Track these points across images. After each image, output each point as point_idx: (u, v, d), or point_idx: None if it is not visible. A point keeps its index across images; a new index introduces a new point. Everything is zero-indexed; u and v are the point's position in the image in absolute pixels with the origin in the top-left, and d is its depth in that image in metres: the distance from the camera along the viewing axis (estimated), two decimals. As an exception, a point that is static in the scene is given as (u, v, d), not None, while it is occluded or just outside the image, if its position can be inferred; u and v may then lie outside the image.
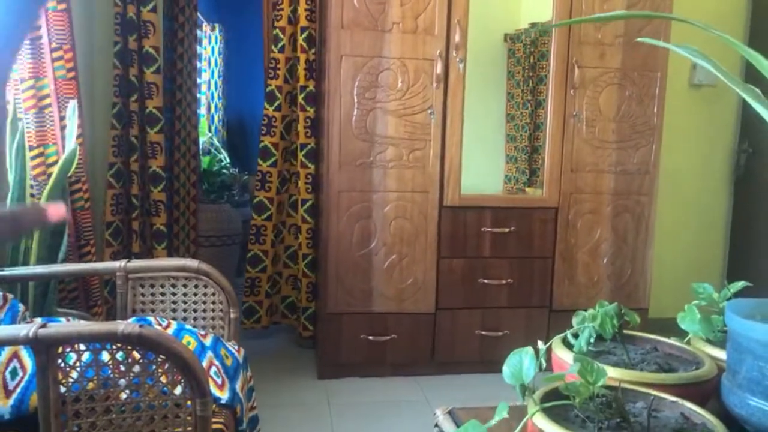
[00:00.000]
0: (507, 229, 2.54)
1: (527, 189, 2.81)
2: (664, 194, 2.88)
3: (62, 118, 1.94)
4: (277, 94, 2.72)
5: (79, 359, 1.02)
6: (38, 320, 1.17)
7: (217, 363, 1.33)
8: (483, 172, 2.94)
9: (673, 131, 2.91)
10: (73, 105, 1.85)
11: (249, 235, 2.87)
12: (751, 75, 3.13)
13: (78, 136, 1.86)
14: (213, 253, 3.66)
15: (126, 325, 0.96)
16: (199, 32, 4.69)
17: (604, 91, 2.57)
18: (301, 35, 2.69)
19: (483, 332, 2.57)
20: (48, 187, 1.74)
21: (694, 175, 3.29)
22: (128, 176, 2.62)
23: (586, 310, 1.21)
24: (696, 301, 1.20)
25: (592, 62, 2.54)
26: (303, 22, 2.68)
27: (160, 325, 1.40)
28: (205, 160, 4.16)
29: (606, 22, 2.54)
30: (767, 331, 0.82)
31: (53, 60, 1.91)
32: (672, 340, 1.16)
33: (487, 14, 2.74)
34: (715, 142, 3.31)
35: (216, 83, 5.39)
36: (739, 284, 1.22)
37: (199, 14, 3.80)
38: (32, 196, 1.82)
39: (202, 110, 4.95)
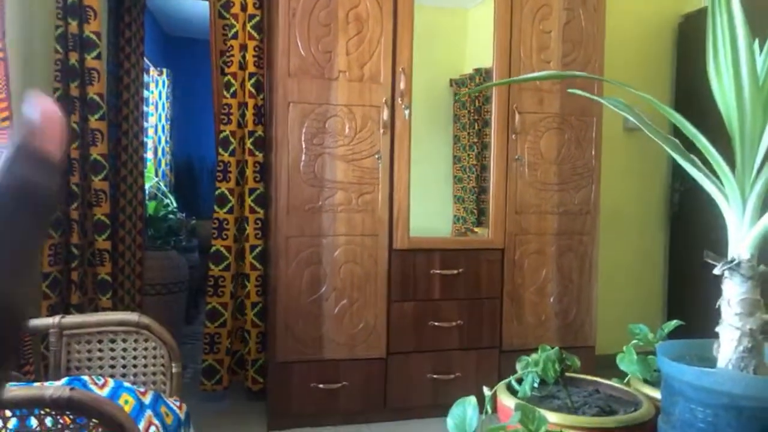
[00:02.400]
0: (456, 271, 2.57)
1: (476, 229, 2.87)
2: (606, 233, 2.99)
3: (-4, 168, 1.87)
4: (231, 139, 2.71)
5: (4, 426, 0.97)
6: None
7: (156, 422, 1.27)
8: (432, 213, 2.98)
9: (610, 172, 3.04)
10: (8, 155, 1.79)
11: (207, 286, 2.75)
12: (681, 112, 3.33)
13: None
14: (160, 301, 3.55)
15: (54, 389, 0.91)
16: (146, 77, 4.67)
17: (545, 136, 2.67)
18: (249, 81, 2.70)
19: (435, 376, 2.56)
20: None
21: (633, 214, 3.43)
22: (68, 225, 2.53)
23: (530, 354, 1.23)
24: (634, 341, 1.24)
25: (531, 108, 2.65)
26: (251, 68, 2.70)
27: (95, 384, 1.34)
28: (150, 206, 4.07)
29: (543, 69, 2.66)
30: (697, 374, 0.85)
31: (-12, 109, 1.85)
32: (612, 382, 1.19)
33: (433, 60, 2.83)
34: (651, 182, 3.47)
35: (163, 127, 5.33)
36: (673, 324, 1.27)
37: (146, 59, 3.78)
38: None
39: (149, 154, 4.87)
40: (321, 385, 2.43)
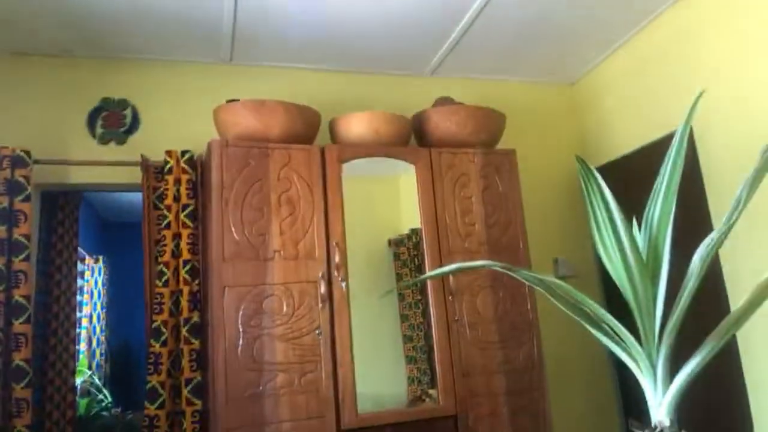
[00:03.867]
0: (410, 445, 2.45)
1: (430, 391, 2.78)
2: (555, 386, 2.96)
3: None
4: (163, 329, 2.63)
5: None
6: None
7: None
8: (385, 376, 2.90)
9: (549, 323, 3.10)
10: None
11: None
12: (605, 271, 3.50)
13: None
14: None
15: None
16: (81, 265, 4.60)
17: (480, 295, 2.74)
18: (183, 268, 2.70)
19: None
20: None
21: (579, 363, 3.44)
22: (-17, 442, 2.31)
23: None
24: None
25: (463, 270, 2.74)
26: (186, 256, 2.72)
27: None
28: (82, 404, 3.79)
29: (469, 231, 2.80)
30: None
31: None
32: None
33: (371, 222, 2.94)
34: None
35: (98, 315, 5.15)
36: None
37: (81, 249, 3.76)
38: None
39: (83, 346, 4.64)
40: None
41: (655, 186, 0.95)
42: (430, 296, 2.67)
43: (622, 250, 0.88)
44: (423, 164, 2.81)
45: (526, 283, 1.01)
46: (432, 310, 2.66)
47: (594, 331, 0.94)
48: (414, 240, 3.01)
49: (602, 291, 3.49)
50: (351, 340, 2.49)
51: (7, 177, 2.54)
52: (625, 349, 0.91)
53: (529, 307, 2.81)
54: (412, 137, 3.02)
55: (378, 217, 3.16)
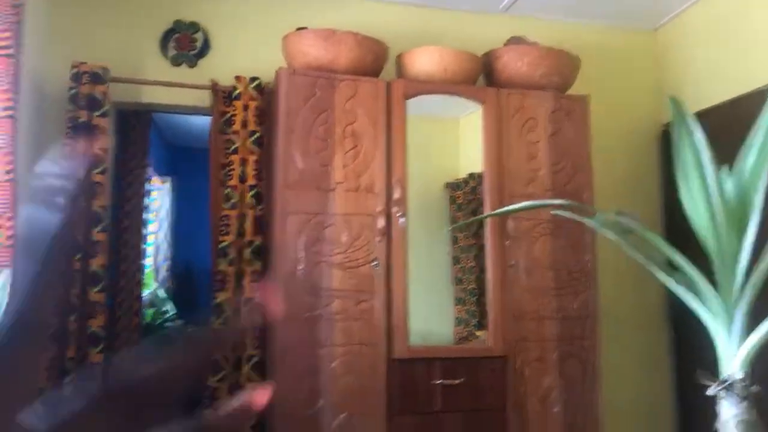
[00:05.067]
0: (457, 381, 2.51)
1: (478, 332, 2.83)
2: (608, 338, 2.95)
3: (-5, 286, 1.89)
4: (229, 249, 2.74)
5: None
6: None
7: None
8: (433, 315, 2.96)
9: (608, 275, 3.05)
10: (5, 275, 1.82)
11: (202, 396, 2.68)
12: (670, 221, 3.38)
13: (6, 306, 1.81)
14: (152, 415, 3.43)
15: None
16: (149, 185, 4.79)
17: (539, 241, 2.71)
18: (249, 192, 2.78)
19: (439, 494, 2.43)
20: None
21: (634, 318, 3.39)
22: (64, 338, 2.51)
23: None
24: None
25: (524, 214, 2.71)
26: (251, 181, 2.79)
27: None
28: (148, 314, 4.05)
29: (533, 177, 2.75)
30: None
31: (-7, 228, 1.90)
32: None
33: (428, 165, 2.93)
34: (650, 284, 3.45)
35: (164, 234, 5.41)
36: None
37: (150, 169, 3.92)
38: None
39: (150, 261, 4.90)
40: (318, 508, 2.30)
41: (749, 137, 0.90)
42: (487, 239, 2.67)
43: (708, 197, 0.84)
44: (491, 105, 2.75)
45: (595, 227, 0.99)
46: (488, 253, 2.66)
47: (668, 280, 0.92)
48: (471, 185, 2.98)
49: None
50: (406, 274, 2.53)
51: (87, 92, 2.64)
52: (700, 300, 0.89)
53: (588, 256, 2.77)
54: (481, 77, 2.94)
55: (436, 159, 3.14)
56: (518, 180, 2.72)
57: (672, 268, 0.91)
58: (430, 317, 2.86)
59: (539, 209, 2.72)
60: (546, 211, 2.73)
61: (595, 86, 3.21)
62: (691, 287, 0.90)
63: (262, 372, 2.67)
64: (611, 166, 3.36)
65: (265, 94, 2.87)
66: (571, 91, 2.94)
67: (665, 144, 3.53)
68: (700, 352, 3.16)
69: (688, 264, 0.88)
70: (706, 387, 2.98)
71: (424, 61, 2.72)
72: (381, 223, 2.54)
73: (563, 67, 2.86)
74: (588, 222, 0.96)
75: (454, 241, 3.07)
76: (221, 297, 2.71)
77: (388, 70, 2.87)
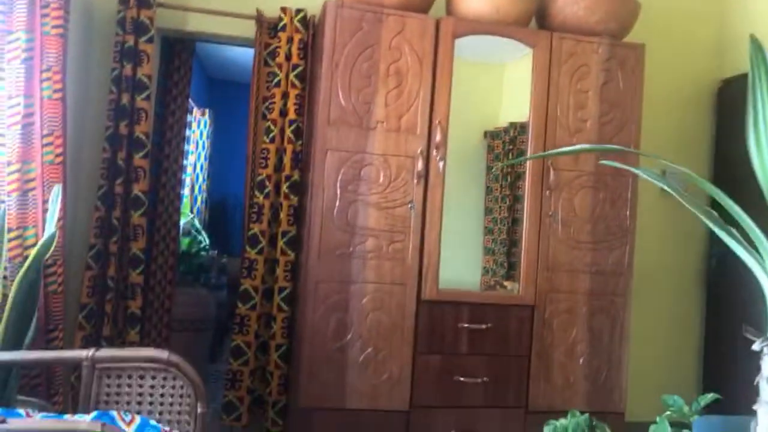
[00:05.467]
0: (484, 326, 2.54)
1: (505, 282, 2.84)
2: (639, 295, 2.92)
3: (45, 202, 1.95)
4: (267, 182, 2.77)
5: (34, 460, 0.98)
6: (-4, 413, 1.13)
7: (179, 464, 1.27)
8: (461, 263, 2.97)
9: (645, 234, 3.00)
10: (57, 189, 1.87)
11: (233, 324, 2.78)
12: (719, 177, 3.28)
13: (59, 220, 1.87)
14: (186, 338, 3.58)
15: (87, 425, 0.93)
16: (189, 116, 4.83)
17: (579, 193, 2.66)
18: (289, 128, 2.78)
19: (458, 432, 2.50)
20: (22, 270, 1.72)
21: (668, 277, 3.35)
22: (106, 258, 2.60)
23: (558, 418, 1.21)
24: (667, 413, 1.20)
25: (567, 165, 2.65)
26: (292, 116, 2.78)
27: (123, 420, 1.35)
28: (184, 242, 4.15)
29: (579, 128, 2.68)
30: (735, 454, 0.82)
31: (43, 146, 1.95)
32: (644, 455, 1.15)
33: (468, 111, 2.86)
34: (687, 245, 3.40)
35: (202, 165, 5.48)
36: (709, 397, 1.23)
37: (190, 100, 3.93)
38: (5, 278, 1.80)
39: (186, 191, 5.00)
40: (341, 435, 2.40)
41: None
42: (526, 188, 2.63)
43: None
44: (542, 49, 2.65)
45: (648, 177, 0.96)
46: (526, 202, 2.62)
47: (718, 231, 0.90)
48: (511, 134, 2.91)
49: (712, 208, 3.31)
50: (441, 218, 2.53)
51: (134, 16, 2.63)
52: (752, 253, 0.87)
53: (628, 212, 2.71)
54: (533, 21, 2.83)
55: (476, 106, 3.06)
56: (564, 130, 2.65)
57: (721, 220, 0.89)
58: (458, 265, 2.87)
59: (584, 160, 2.65)
60: (589, 163, 2.67)
61: (653, 35, 3.07)
62: (748, 243, 0.87)
63: (291, 303, 2.75)
64: (661, 121, 3.24)
65: (310, 27, 2.82)
66: (627, 39, 2.81)
67: (722, 101, 3.39)
68: (731, 315, 3.13)
69: (748, 219, 0.85)
70: (734, 349, 2.92)
71: (476, 0, 2.62)
72: (419, 165, 2.52)
73: (622, 12, 2.73)
74: (640, 172, 0.93)
75: (488, 191, 3.04)
76: (255, 228, 2.76)
77: (438, 8, 2.77)
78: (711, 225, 0.90)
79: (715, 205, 0.93)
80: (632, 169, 0.99)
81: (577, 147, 0.88)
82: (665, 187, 0.94)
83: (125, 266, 2.69)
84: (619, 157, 2.65)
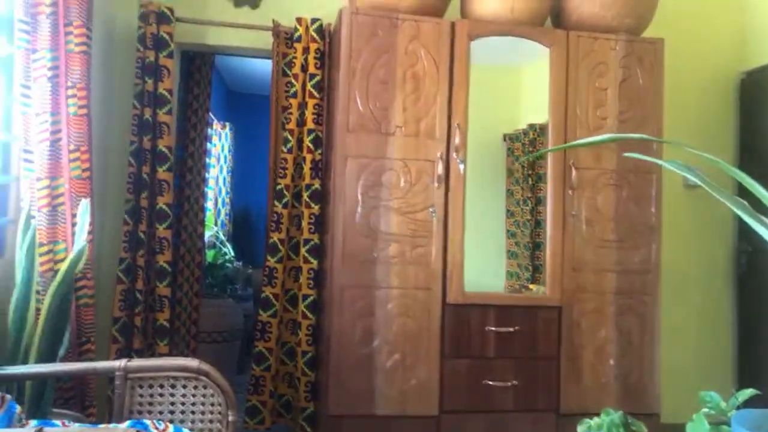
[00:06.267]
0: (512, 328, 2.52)
1: (530, 285, 2.81)
2: (668, 294, 2.88)
3: (74, 216, 1.99)
4: (285, 192, 2.79)
5: (72, 467, 0.99)
6: (33, 423, 1.15)
7: (212, 471, 1.28)
8: (484, 268, 2.95)
9: (672, 230, 2.95)
10: (85, 203, 1.91)
11: (254, 331, 2.81)
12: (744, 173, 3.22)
13: (88, 233, 1.91)
14: (214, 349, 3.61)
15: (123, 431, 0.94)
16: (210, 130, 4.90)
17: (602, 192, 2.63)
18: (308, 137, 2.80)
19: (488, 437, 2.48)
20: (54, 284, 1.76)
21: (696, 275, 3.29)
22: (135, 271, 2.64)
23: (592, 418, 1.19)
24: (704, 410, 1.17)
25: (588, 164, 2.63)
26: (310, 125, 2.80)
27: (156, 428, 1.37)
28: (209, 254, 4.20)
29: (599, 126, 2.65)
30: (778, 446, 0.80)
31: (70, 161, 1.99)
32: (683, 452, 1.12)
33: (486, 115, 2.86)
34: (715, 242, 3.34)
35: (224, 178, 5.54)
36: (748, 392, 1.20)
37: (210, 114, 3.99)
38: (38, 292, 1.83)
39: (210, 204, 5.06)
40: (371, 441, 2.39)
41: None
42: (549, 188, 2.61)
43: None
44: (559, 48, 2.64)
45: (674, 168, 0.95)
46: (549, 202, 2.60)
47: (751, 221, 0.88)
48: (531, 136, 2.90)
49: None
50: (464, 220, 2.52)
51: (153, 32, 2.68)
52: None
53: (653, 210, 2.68)
54: (548, 20, 2.82)
55: (494, 110, 3.05)
56: (584, 128, 2.63)
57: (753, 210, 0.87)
58: (481, 270, 2.85)
59: (606, 159, 2.63)
60: (610, 161, 2.64)
61: (672, 30, 3.03)
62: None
63: (315, 310, 2.76)
64: (683, 116, 3.20)
65: (326, 36, 2.85)
66: (645, 35, 2.78)
67: (745, 93, 3.33)
68: (763, 312, 3.06)
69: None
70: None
71: (490, 0, 2.62)
72: (440, 168, 2.52)
73: (638, 7, 2.70)
74: (666, 164, 0.92)
75: (510, 194, 3.02)
76: (275, 237, 2.78)
77: (452, 11, 2.78)
78: (742, 214, 0.89)
79: (742, 196, 0.91)
80: (657, 161, 0.98)
81: (604, 137, 0.87)
82: (692, 178, 0.92)
83: (152, 279, 2.73)
84: (642, 153, 2.62)
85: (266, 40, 2.93)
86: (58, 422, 1.42)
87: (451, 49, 2.56)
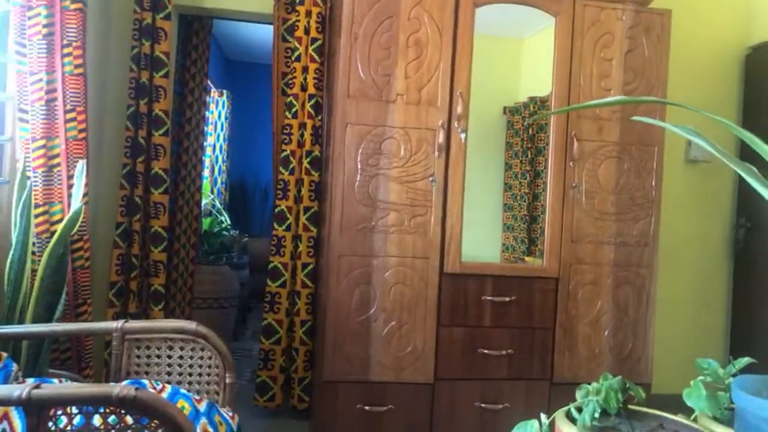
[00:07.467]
0: (508, 298, 2.52)
1: (526, 258, 2.81)
2: (665, 267, 2.89)
3: (70, 177, 1.97)
4: (291, 158, 2.76)
5: (70, 422, 0.99)
6: (30, 381, 1.15)
7: (210, 430, 1.29)
8: (480, 240, 2.94)
9: (671, 204, 2.95)
10: (81, 165, 1.88)
11: (262, 302, 2.78)
12: (746, 150, 3.20)
13: (84, 195, 1.89)
14: (209, 315, 3.62)
15: (122, 388, 0.94)
16: (207, 97, 4.84)
17: (603, 164, 2.62)
18: (309, 102, 2.77)
19: (483, 405, 2.50)
20: (50, 245, 1.74)
21: (694, 249, 3.30)
22: (130, 236, 2.63)
23: (589, 384, 1.19)
24: (701, 377, 1.18)
25: (590, 136, 2.61)
26: (311, 90, 2.76)
27: (154, 388, 1.37)
28: (206, 222, 4.18)
29: (603, 97, 2.62)
30: (777, 410, 0.80)
31: (66, 121, 1.95)
32: (679, 418, 1.13)
33: (487, 87, 2.82)
34: (713, 216, 3.34)
35: (221, 146, 5.50)
36: (744, 360, 1.21)
37: (208, 80, 3.93)
38: (33, 253, 1.82)
39: (206, 172, 5.02)
40: (367, 407, 2.41)
41: None
42: (549, 160, 2.59)
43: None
44: (565, 16, 2.59)
45: (682, 133, 0.93)
46: (549, 173, 2.59)
47: (760, 187, 0.87)
48: (531, 109, 2.87)
49: (737, 180, 3.25)
50: (463, 190, 2.51)
51: (151, -7, 2.62)
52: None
53: (653, 183, 2.67)
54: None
55: (495, 81, 3.01)
56: (587, 99, 2.60)
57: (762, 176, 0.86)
58: (477, 241, 2.84)
59: (607, 131, 2.60)
60: (612, 134, 2.62)
61: (678, 2, 2.99)
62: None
63: (314, 279, 2.76)
64: (687, 89, 3.18)
65: (328, 0, 2.79)
66: (652, 6, 2.74)
67: (750, 68, 3.30)
68: (759, 286, 3.07)
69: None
70: (763, 319, 2.87)
71: (496, -32, 2.56)
72: (441, 137, 2.49)
73: (646, -22, 2.65)
74: (677, 129, 0.91)
75: (508, 167, 3.00)
76: (282, 205, 2.76)
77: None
78: (749, 179, 0.87)
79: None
80: (668, 126, 0.96)
81: (615, 98, 0.85)
82: (701, 143, 0.91)
83: (148, 244, 2.71)
84: (646, 127, 2.60)
85: (266, 5, 2.87)
86: (55, 381, 1.42)
87: (455, 16, 2.51)
